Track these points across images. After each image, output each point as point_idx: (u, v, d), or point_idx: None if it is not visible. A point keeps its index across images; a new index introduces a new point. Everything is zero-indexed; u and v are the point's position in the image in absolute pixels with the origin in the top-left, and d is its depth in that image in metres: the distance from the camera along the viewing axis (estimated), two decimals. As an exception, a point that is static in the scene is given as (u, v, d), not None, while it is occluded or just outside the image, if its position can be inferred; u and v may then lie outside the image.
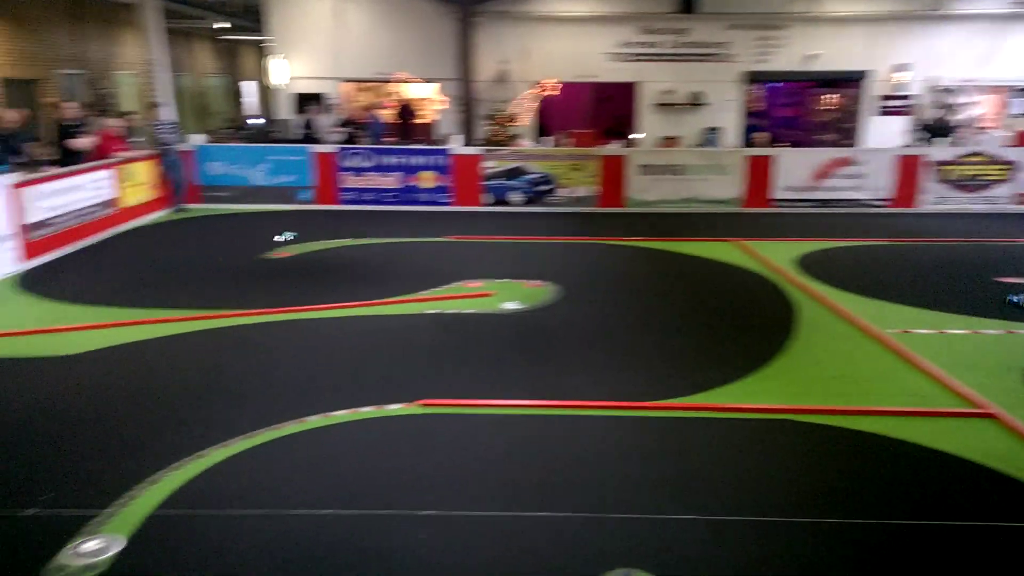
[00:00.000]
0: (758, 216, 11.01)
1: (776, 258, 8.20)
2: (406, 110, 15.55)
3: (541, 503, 3.40)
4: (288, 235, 7.50)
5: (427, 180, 11.26)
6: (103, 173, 9.32)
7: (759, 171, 11.30)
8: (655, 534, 3.18)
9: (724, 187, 11.33)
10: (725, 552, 3.07)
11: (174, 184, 10.69)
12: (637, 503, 3.41)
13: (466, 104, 14.57)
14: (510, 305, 6.41)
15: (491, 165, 11.24)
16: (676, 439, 4.05)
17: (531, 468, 3.72)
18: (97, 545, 3.05)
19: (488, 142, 13.07)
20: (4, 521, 3.22)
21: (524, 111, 14.22)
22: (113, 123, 10.11)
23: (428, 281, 7.09)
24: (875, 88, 15.10)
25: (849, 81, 15.62)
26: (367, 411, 4.31)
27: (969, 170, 11.35)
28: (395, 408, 4.35)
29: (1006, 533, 3.23)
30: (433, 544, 3.09)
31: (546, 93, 14.21)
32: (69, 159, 9.08)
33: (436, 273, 7.40)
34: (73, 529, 3.15)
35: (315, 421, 4.17)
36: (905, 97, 14.67)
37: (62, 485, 3.51)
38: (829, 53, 14.81)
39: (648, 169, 11.29)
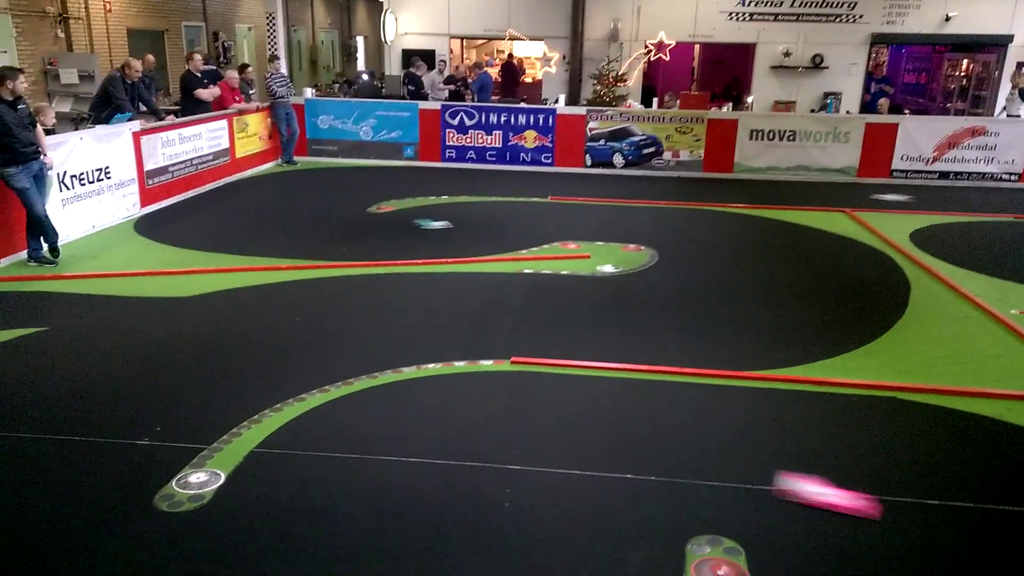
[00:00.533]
0: (875, 187, 10.46)
1: (890, 231, 7.82)
2: (513, 68, 15.57)
3: (629, 465, 3.45)
4: (436, 223, 7.33)
5: (530, 139, 11.31)
6: (218, 124, 9.81)
7: (879, 139, 10.69)
8: (744, 504, 3.19)
9: (840, 155, 10.81)
10: (817, 526, 3.06)
11: (284, 137, 11.15)
12: (729, 472, 3.42)
13: (574, 63, 14.44)
14: (606, 268, 6.45)
15: (595, 126, 11.16)
16: (774, 411, 4.01)
17: (620, 430, 3.78)
18: (202, 478, 3.27)
19: (594, 102, 12.95)
20: (120, 449, 3.50)
21: (632, 71, 13.95)
22: (231, 75, 10.55)
23: (525, 241, 7.19)
24: (1016, 54, 13.87)
25: (987, 46, 14.41)
26: (460, 366, 4.45)
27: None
28: (487, 364, 4.48)
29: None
30: (519, 499, 3.19)
31: (656, 54, 13.88)
32: (193, 109, 9.63)
33: (534, 233, 7.49)
34: (181, 461, 3.39)
35: (410, 372, 4.35)
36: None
37: (173, 418, 3.79)
38: (967, 15, 13.68)
39: (759, 134, 10.90)
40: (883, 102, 11.53)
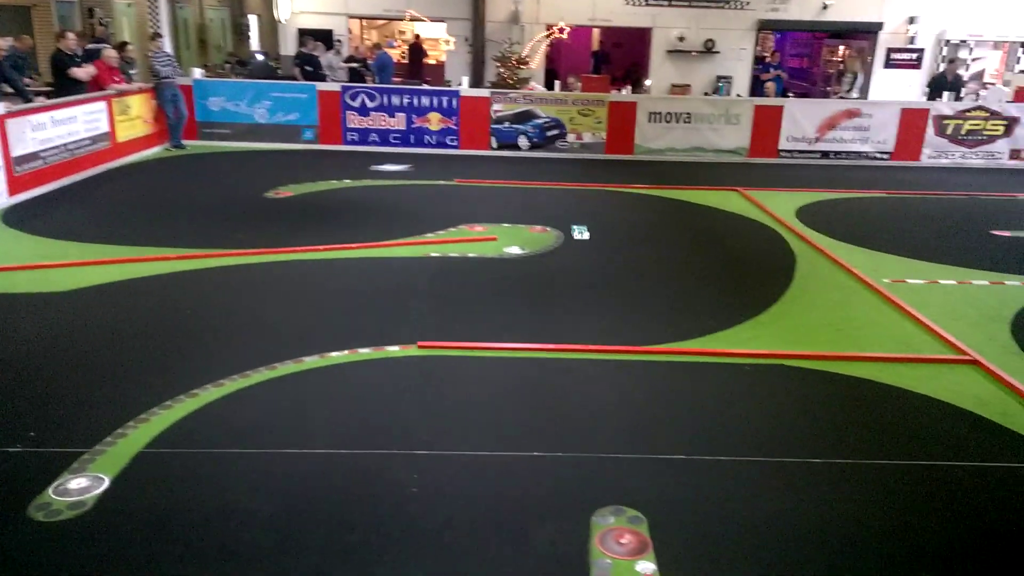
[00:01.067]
0: (764, 166, 10.99)
1: (778, 208, 8.25)
2: (415, 49, 15.34)
3: (535, 444, 3.49)
4: (582, 230, 6.67)
5: (434, 122, 11.19)
6: (96, 106, 9.12)
7: (767, 121, 11.22)
8: (646, 474, 3.29)
9: (732, 136, 11.27)
10: (713, 491, 3.20)
11: (171, 119, 10.56)
12: (630, 444, 3.52)
13: (476, 45, 14.37)
14: (513, 250, 6.48)
15: (500, 108, 11.16)
16: (671, 383, 4.17)
17: (527, 410, 3.81)
18: (83, 483, 3.05)
19: (497, 84, 12.95)
20: (-5, 454, 3.24)
21: (535, 54, 14.03)
22: (109, 54, 9.85)
23: (431, 224, 7.13)
24: (885, 41, 14.89)
25: (860, 33, 15.38)
26: (365, 352, 4.35)
27: (970, 125, 11.30)
28: (393, 350, 4.40)
29: (982, 472, 3.38)
30: (426, 483, 3.17)
31: (558, 36, 14.01)
32: (67, 90, 8.95)
33: (440, 216, 7.43)
34: (59, 467, 3.14)
35: (312, 362, 4.21)
36: (914, 51, 14.49)
37: (49, 423, 3.51)
38: (842, 4, 14.54)
39: (657, 117, 11.21)
40: (770, 85, 12.11)
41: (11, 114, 7.60)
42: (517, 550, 2.79)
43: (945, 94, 11.72)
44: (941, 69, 13.63)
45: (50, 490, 3.01)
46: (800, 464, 3.39)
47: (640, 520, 2.95)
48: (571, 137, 11.23)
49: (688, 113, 11.22)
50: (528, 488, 3.17)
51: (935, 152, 11.37)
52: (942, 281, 5.98)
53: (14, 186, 7.59)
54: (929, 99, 12.00)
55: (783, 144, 11.34)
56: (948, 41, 14.85)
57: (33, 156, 7.92)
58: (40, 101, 8.38)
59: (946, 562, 2.83)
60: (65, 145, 8.47)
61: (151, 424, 3.52)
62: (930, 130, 11.28)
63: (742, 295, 5.56)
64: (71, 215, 7.25)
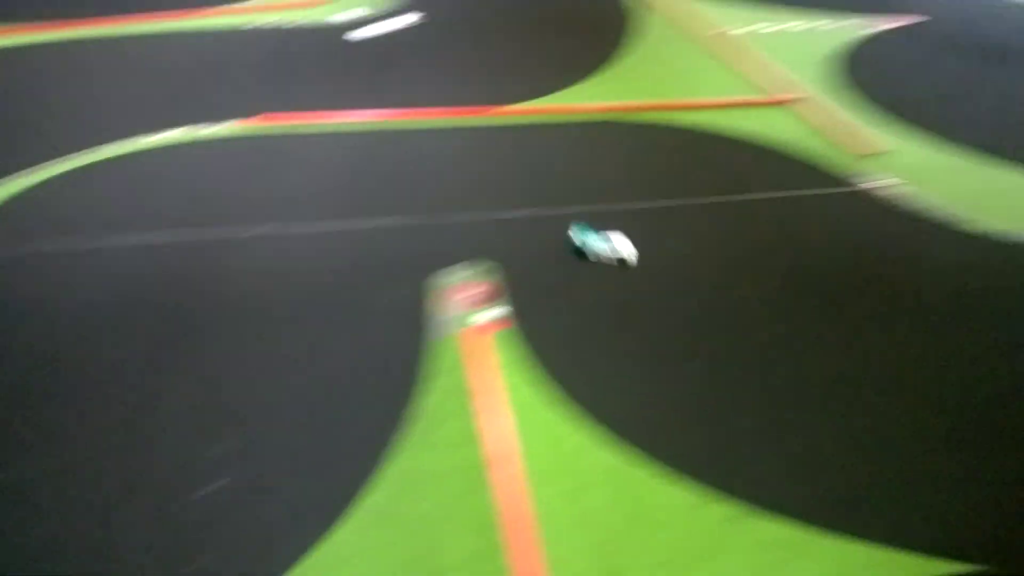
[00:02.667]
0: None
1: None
2: None
3: (382, 212, 3.50)
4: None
5: None
6: None
7: None
8: (495, 230, 3.42)
9: None
10: (552, 239, 3.36)
11: None
12: (476, 204, 3.60)
13: None
14: (354, 13, 5.94)
15: None
16: (508, 143, 4.23)
17: (372, 180, 3.78)
18: None
19: None
20: None
21: None
22: None
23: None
24: None
25: None
26: (204, 131, 4.12)
27: None
28: (233, 126, 4.18)
29: (789, 201, 3.78)
30: (273, 257, 3.17)
31: None
32: None
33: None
34: None
35: (146, 143, 3.97)
36: None
37: None
38: None
39: None
40: None
41: None
42: (356, 313, 2.91)
43: None
44: None
45: None
46: (634, 209, 3.59)
47: (491, 271, 3.12)
48: None
49: None
50: (378, 252, 3.24)
51: None
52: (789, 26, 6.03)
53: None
54: None
55: None
56: None
57: None
58: None
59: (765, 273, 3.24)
60: None
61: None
62: None
63: (577, 56, 5.42)
64: None
